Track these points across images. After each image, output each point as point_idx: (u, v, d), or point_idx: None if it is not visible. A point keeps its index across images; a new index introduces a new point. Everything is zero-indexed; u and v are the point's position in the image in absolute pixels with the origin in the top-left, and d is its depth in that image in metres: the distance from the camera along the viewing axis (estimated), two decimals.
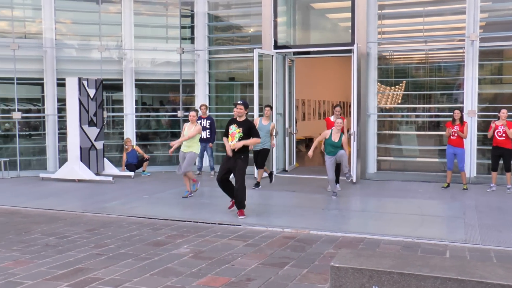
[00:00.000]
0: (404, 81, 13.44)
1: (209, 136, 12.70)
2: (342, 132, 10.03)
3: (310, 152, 10.04)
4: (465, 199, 9.80)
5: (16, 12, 13.60)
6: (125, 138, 13.85)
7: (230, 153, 8.21)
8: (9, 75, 13.06)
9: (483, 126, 11.95)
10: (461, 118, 10.68)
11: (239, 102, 8.39)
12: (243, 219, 8.09)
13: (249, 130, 8.29)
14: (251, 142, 8.36)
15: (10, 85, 13.27)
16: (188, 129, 10.01)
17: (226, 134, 8.42)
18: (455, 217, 8.30)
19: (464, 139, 10.74)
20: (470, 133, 11.47)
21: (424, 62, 13.16)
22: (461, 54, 12.24)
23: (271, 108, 11.65)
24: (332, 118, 11.03)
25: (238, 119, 8.37)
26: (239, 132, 8.24)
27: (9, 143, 13.91)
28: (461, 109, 10.98)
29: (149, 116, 15.24)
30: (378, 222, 8.00)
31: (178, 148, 10.14)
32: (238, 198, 8.27)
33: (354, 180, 11.68)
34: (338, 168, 10.34)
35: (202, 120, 12.73)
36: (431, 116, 13.14)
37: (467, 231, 7.33)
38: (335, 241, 6.85)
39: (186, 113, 14.21)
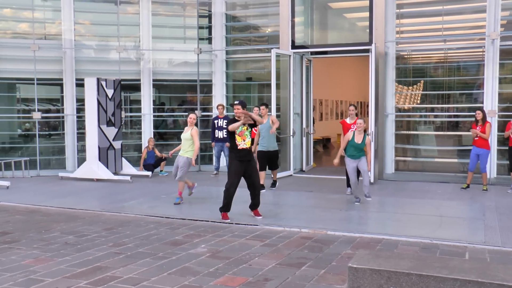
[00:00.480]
0: (423, 81, 13.31)
1: (226, 135, 12.71)
2: (365, 132, 9.45)
3: (337, 160, 9.23)
4: (485, 200, 9.67)
5: (37, 14, 13.79)
6: (143, 137, 13.98)
7: (246, 116, 7.97)
8: (30, 75, 13.26)
9: (504, 126, 11.78)
10: (483, 118, 10.54)
11: (236, 102, 8.17)
12: (261, 219, 8.09)
13: (253, 122, 8.16)
14: (257, 118, 8.17)
15: (31, 85, 13.48)
16: (185, 132, 9.45)
17: (231, 134, 8.20)
18: (475, 218, 8.20)
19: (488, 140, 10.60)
20: (492, 134, 11.30)
21: (443, 62, 13.02)
22: (481, 53, 12.09)
23: (267, 106, 10.92)
24: (348, 120, 10.48)
25: (238, 118, 8.11)
26: (247, 129, 8.12)
27: (29, 143, 14.12)
28: (482, 109, 10.83)
29: (167, 116, 15.33)
30: (396, 223, 7.94)
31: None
32: (259, 198, 8.31)
33: (372, 180, 11.60)
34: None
35: (219, 120, 12.76)
36: (449, 116, 13.00)
37: (487, 232, 7.23)
38: (352, 242, 6.81)
39: (204, 113, 14.30)
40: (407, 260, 4.11)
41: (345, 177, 10.22)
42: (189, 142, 9.39)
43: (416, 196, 10.12)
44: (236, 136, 8.06)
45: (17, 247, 6.56)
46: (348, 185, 10.11)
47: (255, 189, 8.20)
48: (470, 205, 9.30)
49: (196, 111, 14.03)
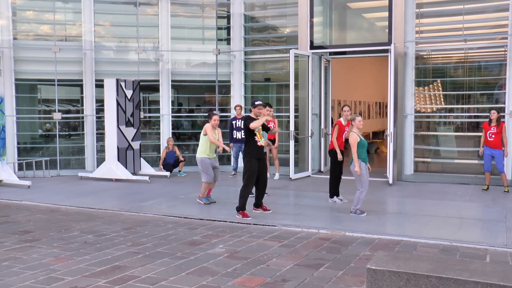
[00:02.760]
0: (442, 81, 13.16)
1: (244, 136, 12.70)
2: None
3: (357, 168, 8.31)
4: (507, 202, 9.53)
5: (58, 16, 13.96)
6: (162, 138, 14.06)
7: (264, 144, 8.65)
8: (51, 76, 13.44)
9: None
10: (498, 119, 10.40)
11: (261, 103, 8.64)
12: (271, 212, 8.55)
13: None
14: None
15: (51, 86, 13.66)
16: (216, 134, 9.37)
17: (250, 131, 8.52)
18: (496, 220, 8.08)
19: (502, 140, 10.45)
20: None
21: (463, 62, 12.86)
22: (503, 52, 11.91)
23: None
24: (343, 121, 9.54)
25: (256, 117, 8.57)
26: (262, 128, 8.69)
27: (49, 143, 14.30)
28: (497, 109, 10.67)
29: (185, 116, 15.40)
30: (415, 225, 7.85)
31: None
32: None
33: (391, 181, 11.51)
34: (339, 177, 9.54)
35: (237, 120, 12.78)
36: (470, 117, 12.83)
37: (509, 235, 7.12)
38: (371, 243, 6.76)
39: (222, 114, 14.32)
40: (427, 262, 4.05)
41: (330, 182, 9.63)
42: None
43: (435, 198, 10.01)
44: (256, 133, 8.43)
45: (38, 245, 6.65)
46: (333, 195, 9.61)
47: (264, 186, 8.68)
48: (491, 207, 9.16)
49: (215, 111, 14.09)
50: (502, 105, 11.61)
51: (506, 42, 11.65)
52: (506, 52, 11.67)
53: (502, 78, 11.87)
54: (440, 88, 13.22)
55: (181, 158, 13.51)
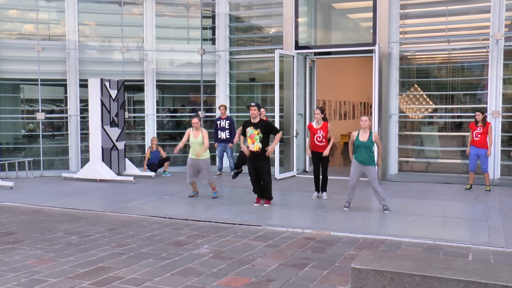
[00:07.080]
0: (426, 82, 13.28)
1: (228, 136, 12.72)
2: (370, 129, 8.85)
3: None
4: (489, 201, 9.65)
5: (41, 15, 13.83)
6: (147, 138, 14.00)
7: (248, 153, 8.89)
8: (34, 76, 13.30)
9: (508, 127, 11.75)
10: (484, 119, 10.52)
11: (252, 104, 8.89)
12: (268, 206, 8.99)
13: (269, 128, 8.89)
14: (277, 141, 9.03)
15: (34, 86, 13.52)
16: (194, 137, 9.65)
17: (244, 134, 8.90)
18: (479, 219, 8.17)
19: (487, 140, 10.59)
20: (494, 134, 11.29)
21: (446, 62, 13.01)
22: (485, 53, 12.06)
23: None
24: (314, 125, 9.72)
25: (252, 120, 8.62)
26: (258, 134, 8.64)
27: (33, 143, 14.16)
28: (482, 110, 10.80)
29: (170, 116, 15.34)
30: (400, 224, 7.92)
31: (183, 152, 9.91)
32: (268, 192, 9.06)
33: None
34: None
35: (222, 120, 12.76)
36: (453, 117, 12.97)
37: (491, 233, 7.21)
38: (355, 243, 6.80)
39: (207, 114, 14.31)
40: (410, 261, 4.09)
41: (314, 178, 9.91)
42: (201, 146, 9.66)
43: (419, 197, 10.10)
44: (247, 138, 8.77)
45: (21, 247, 6.57)
46: (316, 189, 9.90)
47: (261, 185, 9.07)
48: (474, 206, 9.27)
49: (199, 111, 14.06)
50: (485, 105, 11.75)
51: (488, 43, 11.81)
52: (488, 53, 11.83)
53: (484, 78, 12.03)
54: (424, 89, 13.33)
55: (164, 155, 13.45)
